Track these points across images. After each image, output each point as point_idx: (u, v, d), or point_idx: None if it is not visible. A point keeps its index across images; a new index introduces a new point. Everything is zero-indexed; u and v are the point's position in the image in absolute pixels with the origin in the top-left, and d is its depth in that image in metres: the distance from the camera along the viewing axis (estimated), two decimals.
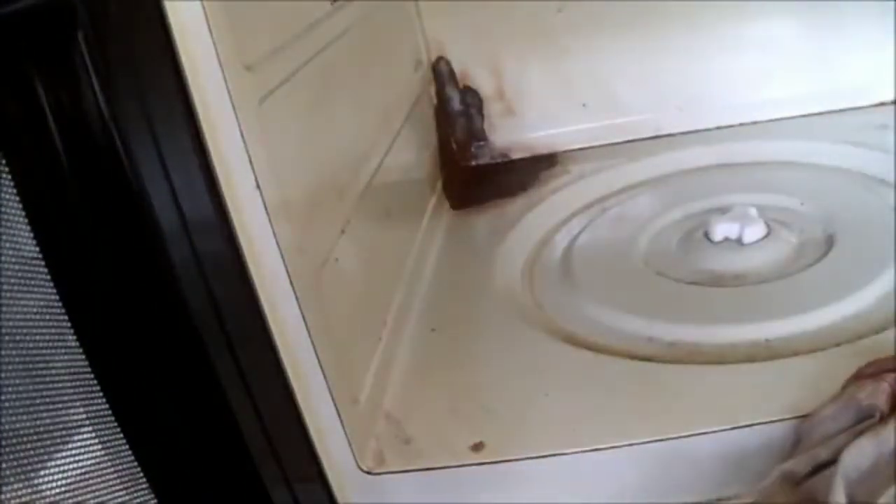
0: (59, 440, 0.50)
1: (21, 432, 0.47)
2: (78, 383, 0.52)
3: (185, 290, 0.53)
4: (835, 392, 0.58)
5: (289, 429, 0.63)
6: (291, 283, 0.61)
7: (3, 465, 0.45)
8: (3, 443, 0.45)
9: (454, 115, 1.25)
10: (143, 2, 0.51)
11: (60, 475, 0.49)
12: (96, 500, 0.51)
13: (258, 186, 0.58)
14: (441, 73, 1.24)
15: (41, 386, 0.49)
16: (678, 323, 0.79)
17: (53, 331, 0.51)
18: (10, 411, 0.47)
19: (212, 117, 0.55)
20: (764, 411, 0.62)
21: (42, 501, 0.47)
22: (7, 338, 0.47)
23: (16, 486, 0.46)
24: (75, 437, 0.51)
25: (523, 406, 0.72)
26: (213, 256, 0.55)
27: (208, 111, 0.55)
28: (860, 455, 0.50)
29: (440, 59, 1.24)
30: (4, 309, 0.47)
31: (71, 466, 0.50)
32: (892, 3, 1.08)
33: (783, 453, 0.58)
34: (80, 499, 0.50)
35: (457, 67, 1.24)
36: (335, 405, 0.65)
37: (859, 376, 0.58)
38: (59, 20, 0.46)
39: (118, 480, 0.53)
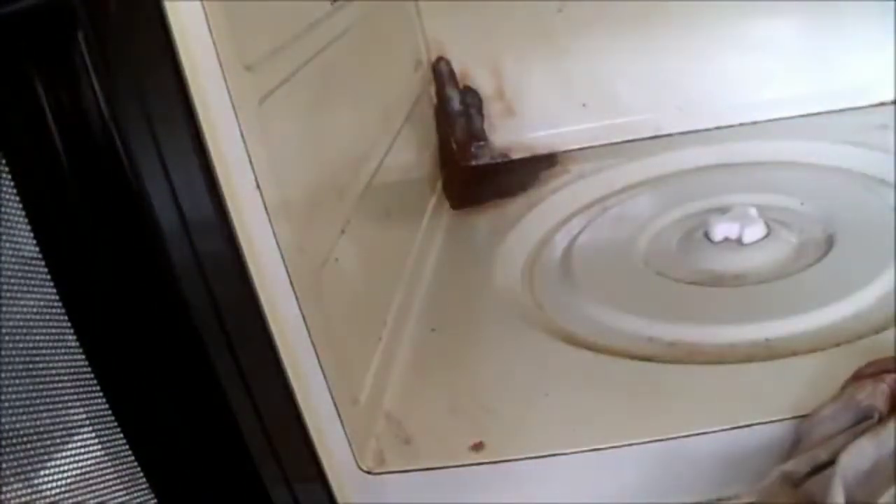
0: (59, 440, 0.50)
1: (21, 432, 0.47)
2: (78, 383, 0.52)
3: (185, 290, 0.53)
4: (834, 392, 0.58)
5: (289, 429, 0.63)
6: (291, 283, 0.61)
7: (3, 465, 0.45)
8: (3, 443, 0.45)
9: (454, 115, 1.25)
10: (143, 2, 0.51)
11: (60, 475, 0.49)
12: (96, 500, 0.51)
13: (258, 186, 0.58)
14: (441, 73, 1.24)
15: (41, 386, 0.49)
16: (678, 323, 0.79)
17: (53, 331, 0.51)
18: (10, 411, 0.47)
19: (212, 117, 0.55)
20: (764, 411, 0.62)
21: (42, 501, 0.47)
22: (7, 338, 0.47)
23: (16, 486, 0.46)
24: (75, 438, 0.51)
25: (523, 406, 0.72)
26: (213, 256, 0.55)
27: (208, 111, 0.55)
28: (859, 456, 0.50)
29: (440, 59, 1.24)
30: (4, 309, 0.47)
31: (71, 466, 0.50)
32: (892, 3, 1.08)
33: (783, 453, 0.58)
34: (80, 499, 0.50)
35: (457, 67, 1.24)
36: (335, 405, 0.65)
37: (858, 376, 0.58)
38: (59, 20, 0.46)
39: (118, 480, 0.53)
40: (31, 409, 0.48)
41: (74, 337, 0.51)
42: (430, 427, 0.72)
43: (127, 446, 0.54)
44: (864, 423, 0.53)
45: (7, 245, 0.48)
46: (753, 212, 0.92)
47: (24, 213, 0.49)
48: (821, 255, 0.86)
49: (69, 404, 0.51)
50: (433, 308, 0.91)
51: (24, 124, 0.47)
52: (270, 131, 0.61)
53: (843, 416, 0.54)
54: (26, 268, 0.49)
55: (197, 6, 0.53)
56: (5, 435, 0.46)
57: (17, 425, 0.47)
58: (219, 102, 0.55)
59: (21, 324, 0.49)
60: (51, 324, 0.51)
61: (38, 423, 0.48)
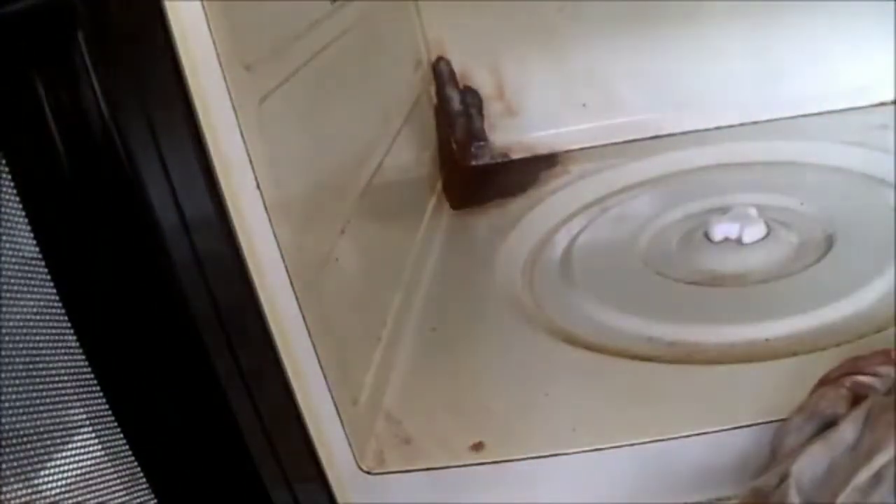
0: (59, 440, 0.50)
1: (21, 432, 0.47)
2: (78, 383, 0.52)
3: (185, 290, 0.53)
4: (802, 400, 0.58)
5: (289, 429, 0.63)
6: (291, 283, 0.61)
7: (3, 465, 0.45)
8: (3, 443, 0.45)
9: (454, 115, 1.25)
10: (143, 2, 0.51)
11: (60, 475, 0.49)
12: (96, 500, 0.51)
13: (258, 186, 0.58)
14: (441, 73, 1.24)
15: (41, 386, 0.49)
16: (678, 323, 0.79)
17: (53, 331, 0.51)
18: (11, 411, 0.47)
19: (212, 117, 0.55)
20: (764, 411, 0.62)
21: (42, 501, 0.47)
22: (7, 338, 0.47)
23: (16, 486, 0.46)
24: (75, 438, 0.51)
25: (523, 406, 0.72)
26: (213, 256, 0.55)
27: (208, 111, 0.55)
28: (811, 463, 0.50)
29: (440, 59, 1.24)
30: (4, 309, 0.47)
31: (71, 467, 0.50)
32: (893, 3, 1.08)
33: (759, 467, 0.57)
34: (80, 499, 0.50)
35: (457, 67, 1.24)
36: (335, 405, 0.65)
37: (823, 382, 0.58)
38: (59, 20, 0.46)
39: (118, 480, 0.53)
40: (32, 409, 0.48)
41: (74, 337, 0.52)
42: (430, 427, 0.72)
43: (127, 446, 0.54)
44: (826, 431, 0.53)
45: (7, 245, 0.48)
46: (753, 212, 0.92)
47: (24, 213, 0.49)
48: (821, 255, 0.86)
49: (69, 404, 0.51)
50: (433, 308, 0.91)
51: (24, 124, 0.47)
52: (270, 131, 0.61)
53: (808, 426, 0.54)
54: (26, 268, 0.49)
55: (197, 6, 0.53)
56: (5, 435, 0.46)
57: (18, 425, 0.47)
58: (219, 102, 0.55)
59: (21, 324, 0.49)
60: (51, 324, 0.51)
61: (38, 423, 0.48)
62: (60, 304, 0.51)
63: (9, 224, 0.48)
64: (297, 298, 0.62)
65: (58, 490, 0.48)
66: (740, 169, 1.09)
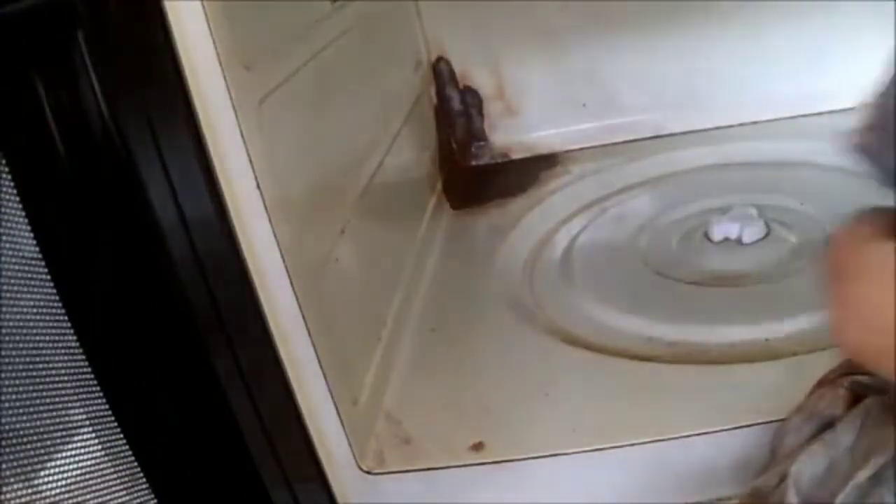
0: (59, 440, 0.50)
1: (21, 432, 0.47)
2: (78, 383, 0.52)
3: (185, 290, 0.53)
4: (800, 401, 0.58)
5: (289, 429, 0.63)
6: (291, 283, 0.61)
7: (3, 465, 0.45)
8: (3, 443, 0.45)
9: (454, 115, 1.25)
10: (143, 2, 0.51)
11: (60, 475, 0.49)
12: (96, 500, 0.51)
13: (258, 186, 0.58)
14: (441, 73, 1.24)
15: (41, 386, 0.49)
16: (678, 323, 0.79)
17: (53, 331, 0.51)
18: (10, 411, 0.47)
19: (212, 117, 0.55)
20: (764, 411, 0.62)
21: (42, 501, 0.47)
22: (7, 338, 0.47)
23: (16, 486, 0.46)
24: (75, 438, 0.51)
25: (523, 406, 0.72)
26: (213, 256, 0.55)
27: (208, 111, 0.55)
28: (811, 463, 0.50)
29: (440, 59, 1.24)
30: (4, 309, 0.47)
31: (71, 467, 0.50)
32: (892, 3, 1.07)
33: (760, 468, 0.57)
34: (80, 499, 0.50)
35: (457, 67, 1.24)
36: (335, 405, 0.65)
37: (822, 383, 0.58)
38: (59, 20, 0.46)
39: (118, 480, 0.53)
40: (32, 409, 0.48)
41: (74, 337, 0.52)
42: (430, 427, 0.72)
43: (127, 446, 0.54)
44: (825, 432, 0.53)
45: (7, 245, 0.48)
46: (753, 212, 0.92)
47: (24, 213, 0.49)
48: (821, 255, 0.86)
49: (69, 404, 0.51)
50: (433, 308, 0.91)
51: (24, 124, 0.47)
52: (270, 131, 0.61)
53: (807, 426, 0.54)
54: (26, 268, 0.49)
55: (197, 6, 0.53)
56: (5, 435, 0.46)
57: (18, 426, 0.47)
58: (219, 102, 0.55)
59: (21, 324, 0.49)
60: (51, 324, 0.51)
61: (38, 423, 0.48)
62: (60, 304, 0.51)
63: (9, 224, 0.48)
64: (297, 298, 0.62)
65: (58, 490, 0.48)
66: (740, 169, 1.09)
